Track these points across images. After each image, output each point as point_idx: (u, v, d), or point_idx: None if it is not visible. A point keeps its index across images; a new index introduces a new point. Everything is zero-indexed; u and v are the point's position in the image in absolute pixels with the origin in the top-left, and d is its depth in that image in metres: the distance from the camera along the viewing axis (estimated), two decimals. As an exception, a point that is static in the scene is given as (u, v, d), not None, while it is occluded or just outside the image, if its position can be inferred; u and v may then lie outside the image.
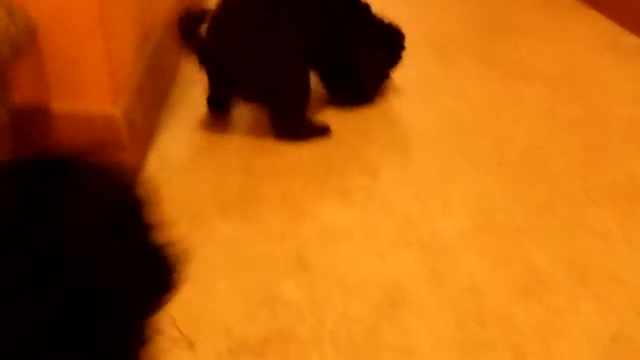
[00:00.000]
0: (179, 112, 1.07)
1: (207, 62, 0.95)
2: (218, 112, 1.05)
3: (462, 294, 0.72)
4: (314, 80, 1.06)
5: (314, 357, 0.64)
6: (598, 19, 1.74)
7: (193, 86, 1.14)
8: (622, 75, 1.35)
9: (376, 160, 0.96)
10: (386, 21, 1.14)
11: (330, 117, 1.06)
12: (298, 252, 0.76)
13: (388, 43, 1.14)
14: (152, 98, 0.98)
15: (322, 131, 1.01)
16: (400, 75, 1.19)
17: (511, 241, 0.80)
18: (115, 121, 0.78)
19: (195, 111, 1.06)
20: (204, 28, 0.94)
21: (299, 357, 0.64)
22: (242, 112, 1.07)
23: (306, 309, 0.69)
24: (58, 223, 0.37)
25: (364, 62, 1.10)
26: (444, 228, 0.81)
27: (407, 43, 1.19)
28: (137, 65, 0.89)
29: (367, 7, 1.12)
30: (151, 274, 0.41)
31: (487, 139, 1.04)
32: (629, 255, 0.79)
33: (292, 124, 1.00)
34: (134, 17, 0.91)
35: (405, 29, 1.19)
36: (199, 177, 0.90)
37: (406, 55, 1.18)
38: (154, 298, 0.42)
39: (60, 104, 0.77)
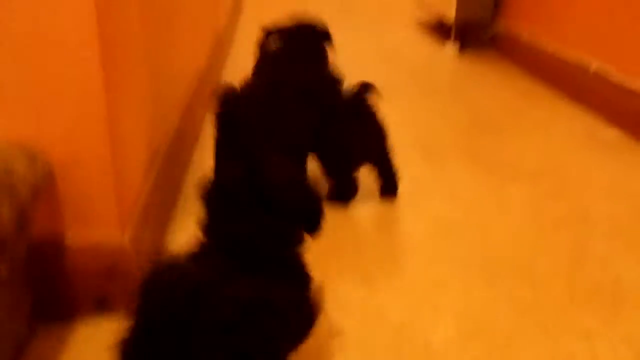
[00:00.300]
0: (185, 227, 1.13)
1: None
2: None
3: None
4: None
5: None
6: (577, 112, 1.83)
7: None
8: (602, 169, 1.42)
9: (370, 270, 1.01)
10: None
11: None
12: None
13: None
14: (159, 219, 1.05)
15: None
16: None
17: (499, 348, 0.83)
18: (123, 250, 0.84)
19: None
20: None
21: None
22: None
23: None
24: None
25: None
26: (434, 339, 0.85)
27: (397, 147, 1.27)
28: (143, 191, 0.96)
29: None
30: None
31: (475, 242, 1.09)
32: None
33: None
34: (144, 146, 1.00)
35: (395, 132, 1.27)
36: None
37: (396, 158, 1.26)
38: None
39: (73, 236, 0.83)
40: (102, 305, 0.87)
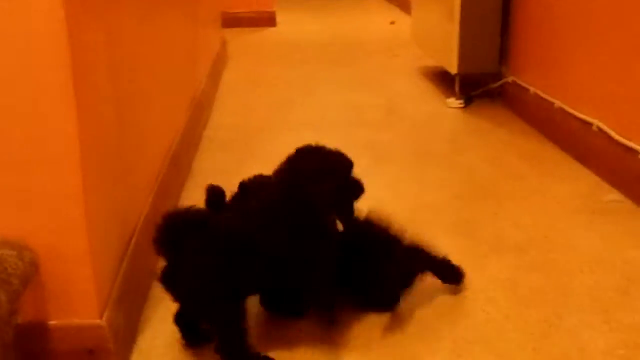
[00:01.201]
0: (159, 309, 1.41)
1: None
2: None
3: None
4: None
5: None
6: (583, 174, 2.12)
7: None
8: (592, 237, 1.68)
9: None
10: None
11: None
12: None
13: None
14: (134, 299, 1.33)
15: None
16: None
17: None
18: (102, 331, 1.12)
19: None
20: None
21: None
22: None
23: None
24: None
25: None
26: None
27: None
28: (118, 277, 1.25)
29: None
30: None
31: (448, 315, 1.36)
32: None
33: None
34: (118, 234, 1.29)
35: (382, 198, 1.54)
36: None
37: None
38: None
39: (55, 320, 1.11)
40: (84, 384, 1.14)
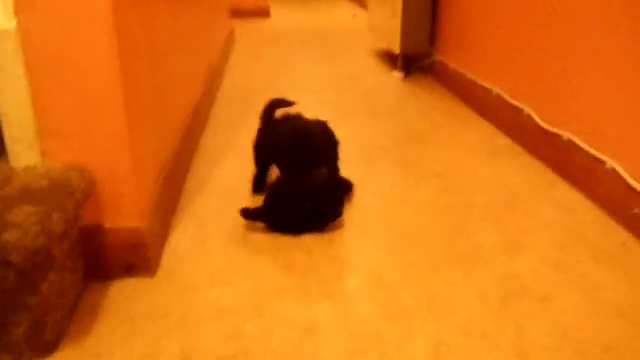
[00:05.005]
0: (183, 219, 1.40)
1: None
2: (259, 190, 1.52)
3: None
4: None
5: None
6: (484, 126, 2.12)
7: (196, 195, 1.49)
8: (489, 169, 1.70)
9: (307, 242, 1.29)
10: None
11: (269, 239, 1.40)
12: None
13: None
14: (166, 211, 1.32)
15: None
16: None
17: (392, 291, 1.11)
18: (141, 232, 1.11)
19: (197, 216, 1.40)
20: None
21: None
22: (221, 225, 1.41)
23: None
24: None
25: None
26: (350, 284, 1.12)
27: (345, 154, 1.55)
28: (154, 193, 1.23)
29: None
30: None
31: (388, 225, 1.37)
32: (475, 302, 1.10)
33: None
34: (154, 161, 1.27)
35: (345, 142, 1.54)
36: (198, 265, 1.23)
37: (343, 162, 1.53)
38: None
39: (108, 223, 1.10)
40: (129, 270, 1.14)
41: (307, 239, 1.29)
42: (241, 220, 1.36)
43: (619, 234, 1.31)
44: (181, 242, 1.28)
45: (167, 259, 1.22)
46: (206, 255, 1.23)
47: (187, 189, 1.56)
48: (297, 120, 1.50)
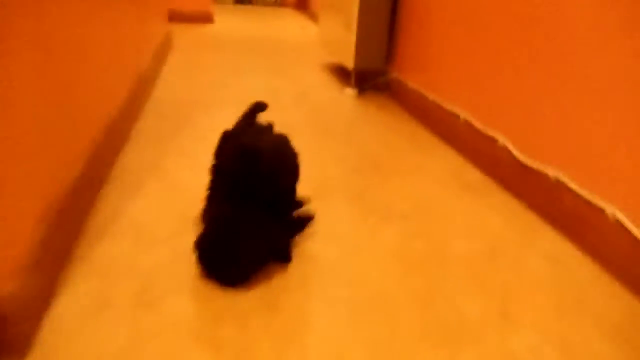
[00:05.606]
0: (79, 273, 1.06)
1: None
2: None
3: None
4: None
5: None
6: (450, 154, 1.89)
7: (100, 239, 1.15)
8: (461, 209, 1.45)
9: (244, 308, 0.99)
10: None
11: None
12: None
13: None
14: (51, 267, 0.98)
15: None
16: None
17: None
18: (6, 301, 0.78)
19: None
20: None
21: None
22: (134, 277, 1.08)
23: None
24: None
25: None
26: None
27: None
28: (33, 241, 0.90)
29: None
30: None
31: (348, 285, 1.08)
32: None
33: None
34: (35, 199, 0.93)
35: None
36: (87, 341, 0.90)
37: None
38: None
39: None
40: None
41: (244, 305, 0.99)
42: (157, 275, 1.04)
43: (624, 299, 1.09)
44: (69, 309, 0.95)
45: (48, 332, 0.89)
46: (103, 327, 0.91)
47: (88, 231, 1.22)
48: (250, 132, 1.18)
